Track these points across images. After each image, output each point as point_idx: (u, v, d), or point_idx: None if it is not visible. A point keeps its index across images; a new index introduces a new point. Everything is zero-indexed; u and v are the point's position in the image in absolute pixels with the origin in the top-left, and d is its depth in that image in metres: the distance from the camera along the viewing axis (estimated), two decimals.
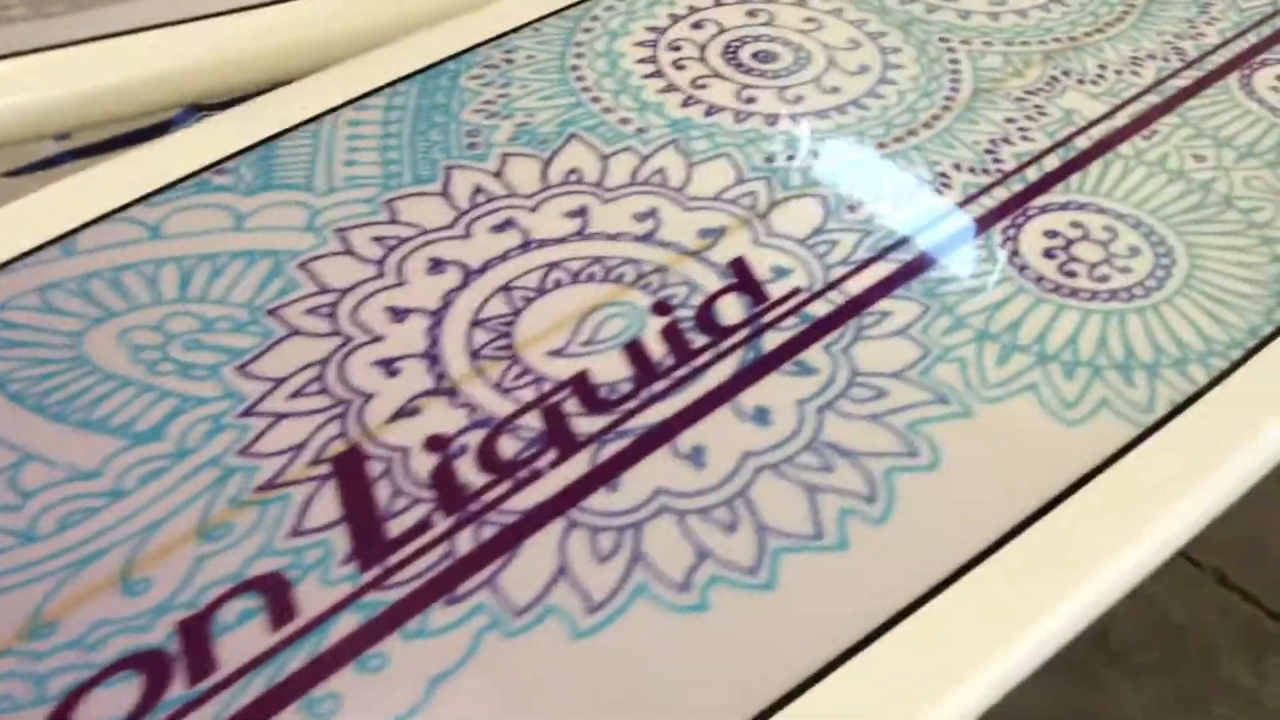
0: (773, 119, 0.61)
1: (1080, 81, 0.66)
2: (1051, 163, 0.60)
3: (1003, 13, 0.72)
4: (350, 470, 0.41)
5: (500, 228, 0.52)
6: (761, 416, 0.45)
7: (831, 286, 0.52)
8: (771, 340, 0.49)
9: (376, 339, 0.47)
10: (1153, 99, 0.65)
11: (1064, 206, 0.57)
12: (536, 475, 0.42)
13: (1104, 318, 0.51)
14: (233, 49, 0.65)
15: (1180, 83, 0.67)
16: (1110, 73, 0.67)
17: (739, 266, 0.52)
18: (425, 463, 0.42)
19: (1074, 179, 0.59)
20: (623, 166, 0.57)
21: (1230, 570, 1.10)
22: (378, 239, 0.51)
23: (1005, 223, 0.56)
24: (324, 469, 0.41)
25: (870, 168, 0.59)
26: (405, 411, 0.44)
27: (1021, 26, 0.71)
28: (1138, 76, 0.67)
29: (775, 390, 0.46)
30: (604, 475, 0.42)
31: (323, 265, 0.50)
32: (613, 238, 0.53)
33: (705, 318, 0.49)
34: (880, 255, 0.53)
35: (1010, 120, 0.63)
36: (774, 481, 0.43)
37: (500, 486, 0.42)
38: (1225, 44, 0.70)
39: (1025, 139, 0.61)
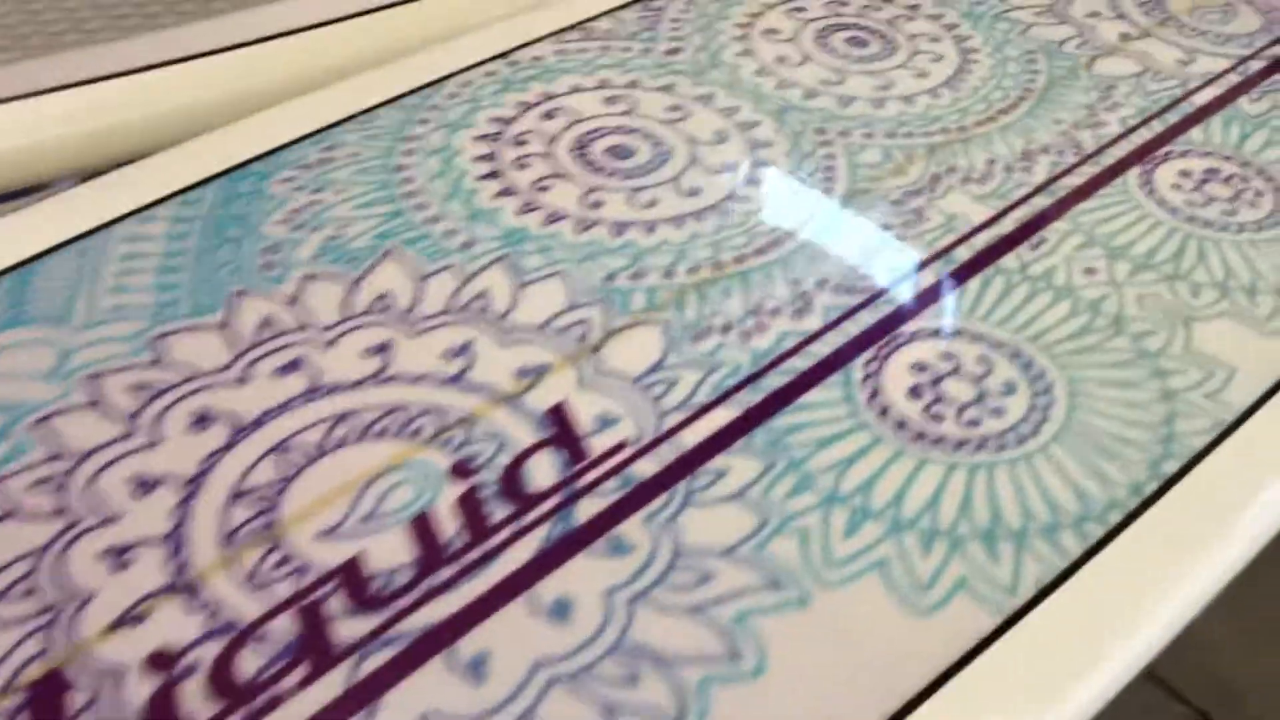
0: (620, 228, 0.55)
1: (965, 180, 0.61)
2: (926, 279, 0.55)
3: (888, 99, 0.67)
4: (46, 701, 0.35)
5: (285, 370, 0.46)
6: (561, 611, 0.39)
7: (663, 439, 0.46)
8: (585, 509, 0.43)
9: (110, 520, 0.40)
10: (1043, 201, 0.60)
11: (936, 333, 0.52)
12: (276, 702, 0.35)
13: (970, 473, 0.46)
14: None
15: (1074, 180, 0.62)
16: (999, 170, 0.62)
17: (558, 415, 0.46)
18: (141, 689, 0.35)
19: (949, 299, 0.54)
20: (441, 289, 0.51)
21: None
22: (135, 387, 0.45)
23: (869, 354, 0.50)
24: (15, 699, 0.35)
25: (723, 287, 0.53)
26: (129, 618, 0.37)
27: (907, 116, 0.65)
28: (1028, 174, 0.62)
29: (581, 577, 0.40)
30: (361, 697, 0.36)
31: (62, 423, 0.43)
32: (416, 380, 0.46)
33: (511, 482, 0.43)
34: (723, 397, 0.48)
35: (886, 227, 0.57)
36: (566, 699, 0.37)
37: None
38: (1127, 134, 0.66)
39: (900, 249, 0.56)
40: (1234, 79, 0.72)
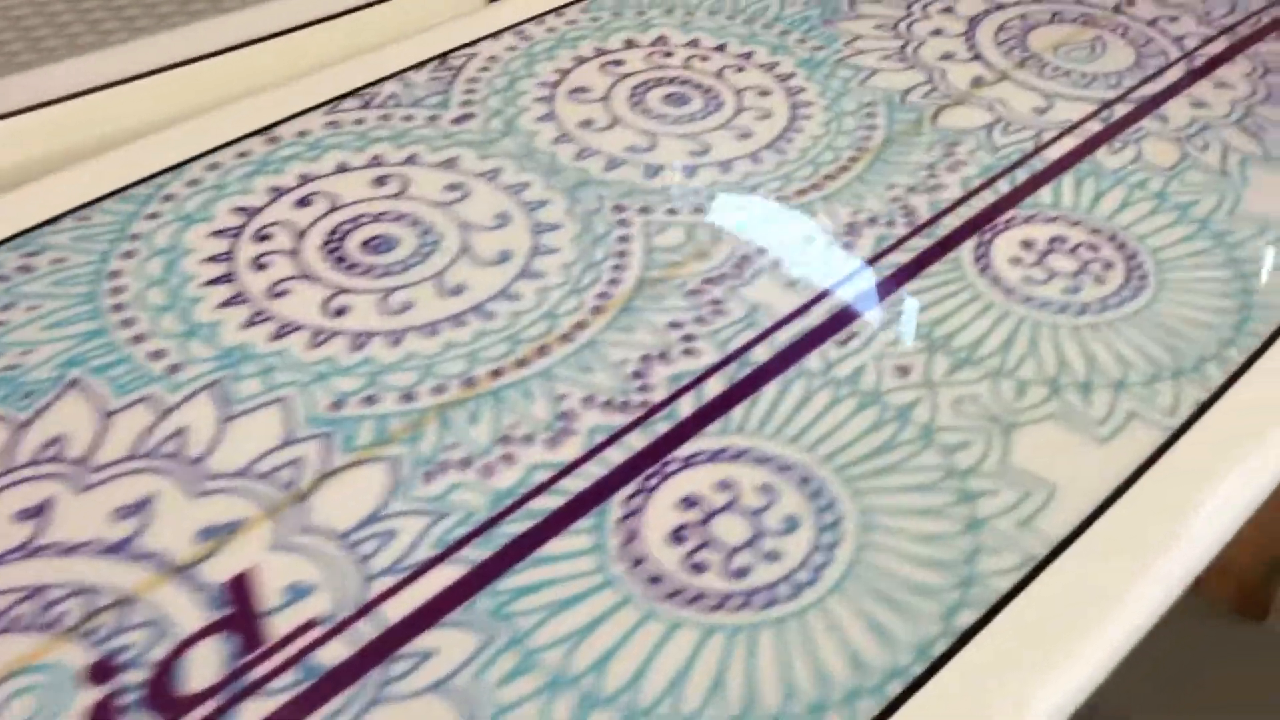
0: (361, 340, 0.49)
1: (777, 265, 0.55)
2: (715, 387, 0.48)
3: (702, 165, 0.60)
4: None
5: None
6: None
7: (363, 612, 0.39)
8: (248, 716, 0.36)
9: None
10: (862, 284, 0.54)
11: (715, 456, 0.45)
12: None
13: (729, 639, 0.39)
14: None
15: (900, 257, 0.56)
16: (818, 247, 0.56)
17: (239, 588, 0.39)
18: None
19: (738, 411, 0.47)
20: (128, 429, 0.44)
21: None
22: None
23: (632, 487, 0.44)
24: None
25: (470, 410, 0.46)
26: None
27: (721, 185, 0.59)
28: (849, 250, 0.56)
29: None
30: None
31: None
32: (70, 551, 0.40)
33: (161, 685, 0.36)
34: (447, 553, 0.41)
35: (675, 325, 0.51)
36: None
37: None
38: (968, 198, 0.60)
39: (688, 352, 0.50)
40: (1094, 127, 0.66)
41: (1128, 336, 0.52)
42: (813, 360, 0.50)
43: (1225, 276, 0.56)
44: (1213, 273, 0.56)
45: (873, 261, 0.55)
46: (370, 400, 0.46)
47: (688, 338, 0.50)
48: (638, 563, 0.41)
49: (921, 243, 0.57)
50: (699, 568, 0.41)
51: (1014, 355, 0.51)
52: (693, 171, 0.60)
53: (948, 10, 0.76)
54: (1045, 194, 0.60)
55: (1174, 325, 0.53)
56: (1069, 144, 0.64)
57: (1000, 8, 0.77)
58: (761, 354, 0.50)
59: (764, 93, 0.66)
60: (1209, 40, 0.75)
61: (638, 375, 0.48)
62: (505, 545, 0.41)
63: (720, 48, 0.70)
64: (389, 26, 0.71)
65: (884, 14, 0.75)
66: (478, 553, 0.41)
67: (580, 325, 0.50)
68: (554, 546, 0.41)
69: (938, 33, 0.73)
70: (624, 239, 0.55)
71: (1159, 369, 0.50)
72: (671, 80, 0.67)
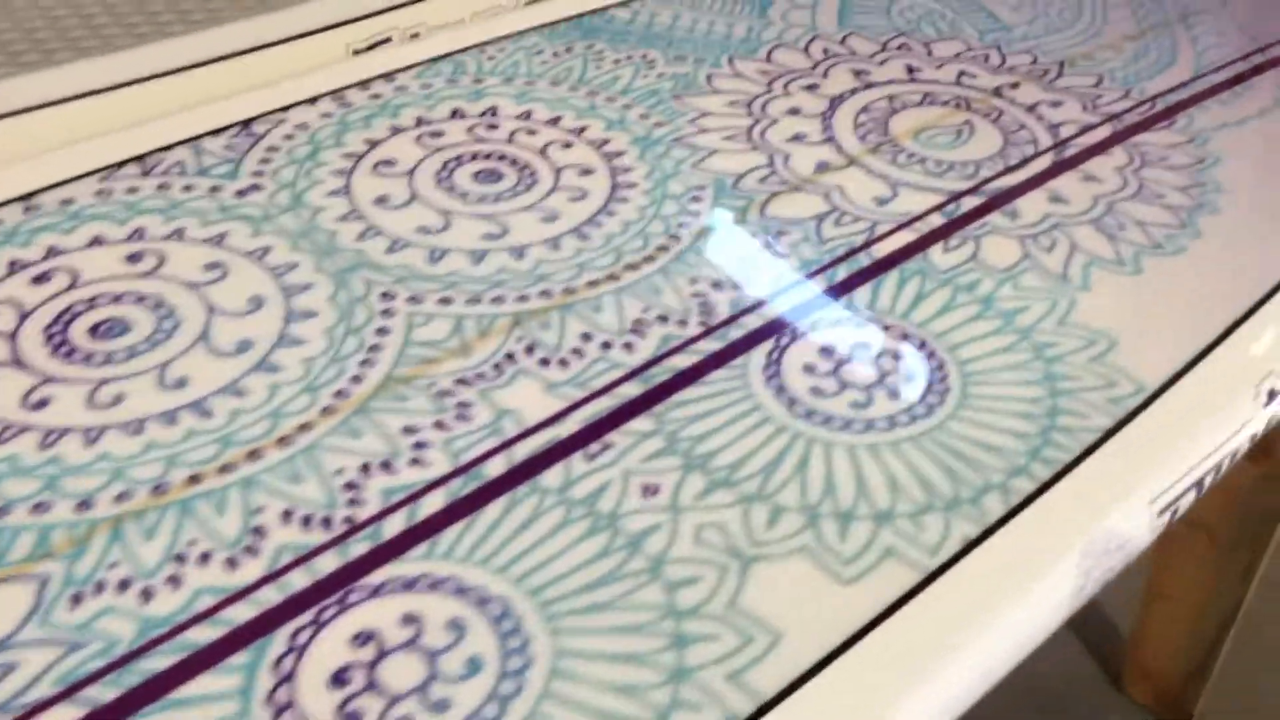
0: (53, 437, 0.45)
1: (545, 362, 0.51)
2: (433, 504, 0.45)
3: (493, 250, 0.57)
4: None
5: None
6: None
7: None
8: None
9: None
10: (630, 390, 0.51)
11: (410, 584, 0.42)
12: None
13: None
14: None
15: (684, 360, 0.52)
16: (595, 346, 0.52)
17: None
18: None
19: (450, 532, 0.44)
20: None
21: None
22: None
23: (305, 617, 0.40)
24: None
25: (149, 523, 0.43)
26: None
27: (508, 273, 0.56)
28: (629, 352, 0.52)
29: None
30: None
31: None
32: None
33: None
34: (70, 691, 0.37)
35: (410, 430, 0.47)
36: None
37: None
38: (778, 294, 0.56)
39: (416, 462, 0.46)
40: (935, 221, 0.62)
41: (910, 459, 0.48)
42: (552, 475, 0.46)
43: (1034, 395, 0.52)
44: (1021, 390, 0.52)
45: (650, 365, 0.52)
46: (40, 507, 0.43)
47: (420, 445, 0.47)
48: (283, 710, 0.37)
49: (711, 345, 0.53)
50: (352, 718, 0.38)
51: (778, 477, 0.47)
52: (481, 257, 0.56)
53: (812, 88, 0.73)
54: (863, 293, 0.57)
55: (964, 448, 0.49)
56: (903, 239, 0.61)
57: (870, 86, 0.74)
58: (496, 467, 0.46)
59: (586, 171, 0.63)
60: (1089, 129, 0.72)
61: (350, 487, 0.45)
62: (138, 684, 0.38)
63: (554, 120, 0.67)
64: (218, 85, 0.68)
65: (742, 90, 0.72)
66: (104, 692, 0.37)
67: (304, 427, 0.47)
68: (195, 687, 0.38)
69: (794, 112, 0.70)
70: (382, 331, 0.52)
71: (933, 499, 0.47)
72: (489, 155, 0.64)
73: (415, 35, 0.86)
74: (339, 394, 0.48)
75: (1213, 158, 0.70)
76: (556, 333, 0.53)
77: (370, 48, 0.84)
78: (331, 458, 0.46)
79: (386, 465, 0.46)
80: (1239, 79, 0.81)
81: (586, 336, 0.53)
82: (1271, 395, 0.54)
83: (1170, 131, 0.72)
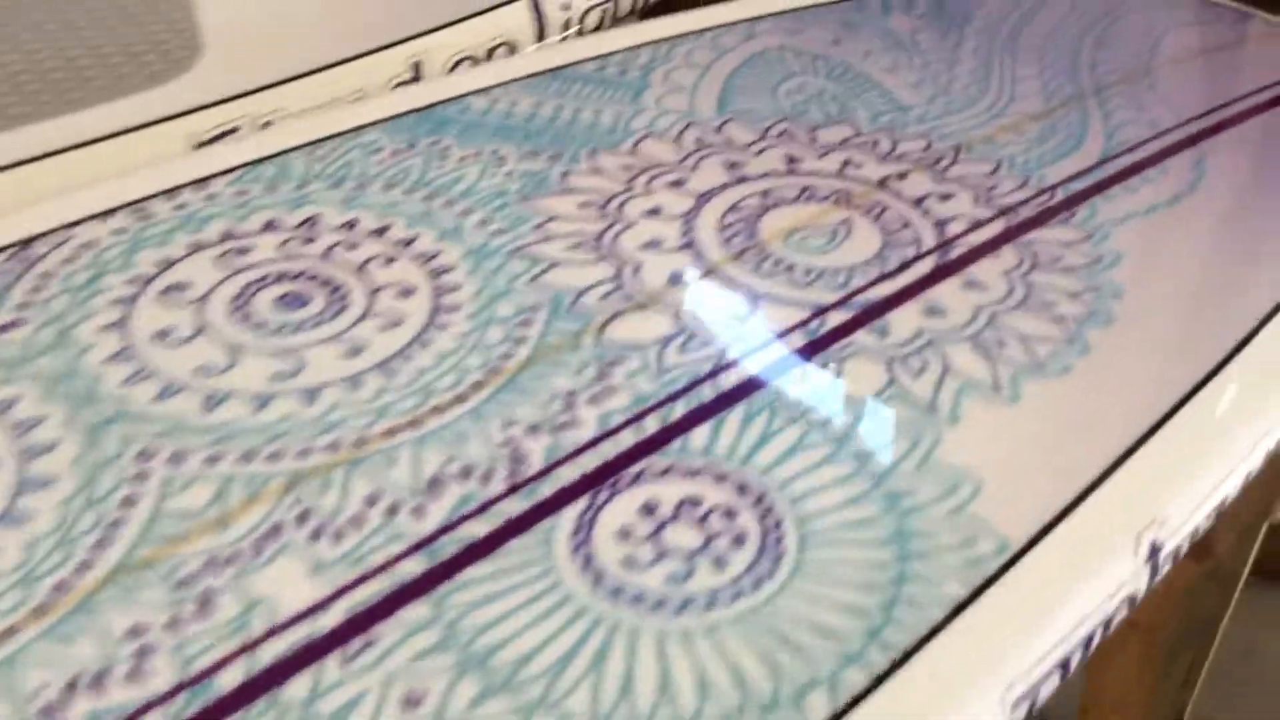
0: None
1: (317, 534, 0.45)
2: None
3: (281, 394, 0.51)
4: None
5: None
6: None
7: None
8: None
9: None
10: (411, 568, 0.44)
11: None
12: None
13: None
14: None
15: (478, 528, 0.46)
16: (378, 511, 0.46)
17: None
18: None
19: None
20: None
21: None
22: None
23: None
24: None
25: None
26: None
27: (296, 420, 0.50)
28: (417, 519, 0.46)
29: None
30: None
31: None
32: None
33: None
34: None
35: (135, 634, 0.41)
36: None
37: None
38: (601, 440, 0.50)
39: (133, 678, 0.40)
40: (796, 341, 0.57)
41: (727, 648, 0.42)
42: (299, 684, 0.40)
43: (881, 559, 0.46)
44: (867, 552, 0.46)
45: (440, 534, 0.45)
46: None
47: (143, 652, 0.40)
48: None
49: (515, 506, 0.47)
50: None
51: (569, 677, 0.41)
52: (265, 403, 0.50)
53: (678, 184, 0.67)
54: (700, 435, 0.51)
55: (792, 631, 0.43)
56: (755, 364, 0.55)
57: (743, 180, 0.68)
58: (232, 677, 0.40)
59: (406, 292, 0.57)
60: (979, 225, 0.66)
61: (47, 713, 0.38)
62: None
63: (380, 231, 0.61)
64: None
65: (598, 189, 0.66)
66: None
67: (8, 633, 0.40)
68: None
69: (653, 213, 0.64)
70: (130, 501, 0.45)
71: (747, 700, 0.40)
72: (297, 275, 0.58)
73: (268, 124, 0.81)
74: (59, 587, 0.42)
75: (1112, 256, 0.64)
76: (337, 495, 0.46)
77: (214, 139, 0.78)
78: (34, 675, 0.39)
79: (97, 683, 0.39)
80: (1152, 160, 0.75)
81: (372, 500, 0.46)
82: (1154, 550, 0.48)
83: (1068, 226, 0.67)
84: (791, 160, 0.71)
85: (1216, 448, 0.53)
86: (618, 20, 1.05)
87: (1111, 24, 0.96)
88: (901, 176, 0.70)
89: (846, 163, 0.71)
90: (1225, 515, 0.54)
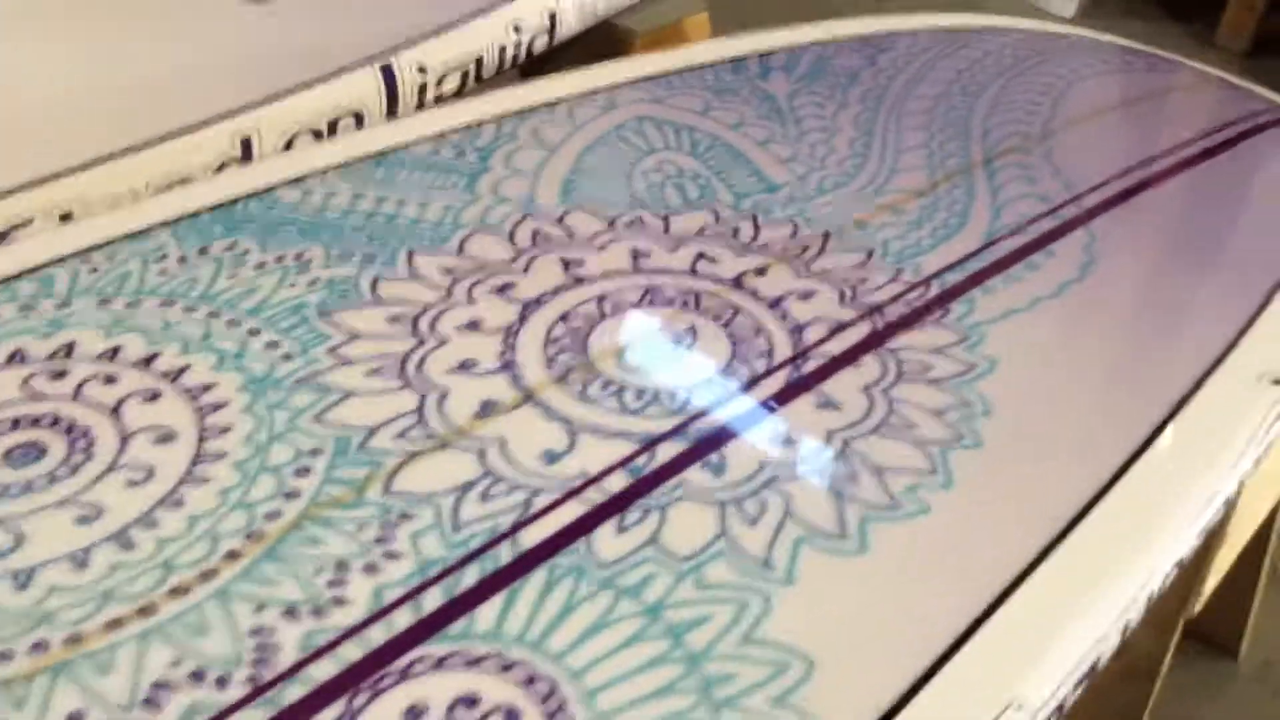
0: None
1: None
2: None
3: None
4: None
5: None
6: None
7: None
8: None
9: None
10: None
11: None
12: None
13: None
14: None
15: None
16: None
17: None
18: None
19: None
20: None
21: None
22: None
23: None
24: None
25: None
26: None
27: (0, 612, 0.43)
28: None
29: None
30: None
31: None
32: None
33: None
34: None
35: None
36: None
37: None
38: (369, 623, 0.43)
39: None
40: (615, 484, 0.50)
41: None
42: None
43: None
44: None
45: None
46: None
47: None
48: None
49: (253, 717, 0.40)
50: None
51: None
52: None
53: (503, 290, 0.61)
54: (489, 612, 0.44)
55: None
56: (566, 516, 0.48)
57: (580, 282, 0.62)
58: None
59: (165, 437, 0.50)
60: (841, 329, 0.60)
61: None
62: None
63: (148, 360, 0.54)
64: None
65: (412, 298, 0.59)
66: None
67: None
68: None
69: (471, 327, 0.58)
70: None
71: None
72: (37, 421, 0.50)
73: (67, 216, 0.74)
74: None
75: (985, 364, 0.59)
76: (33, 716, 0.39)
77: (4, 234, 0.71)
78: None
79: None
80: (1039, 243, 0.70)
81: (73, 716, 0.39)
82: None
83: (940, 327, 0.61)
84: (638, 256, 0.65)
85: (1086, 606, 0.47)
86: (483, 83, 0.99)
87: (1015, 77, 0.91)
88: (760, 272, 0.64)
89: (700, 257, 0.65)
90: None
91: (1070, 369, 0.60)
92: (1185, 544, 0.51)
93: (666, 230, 0.67)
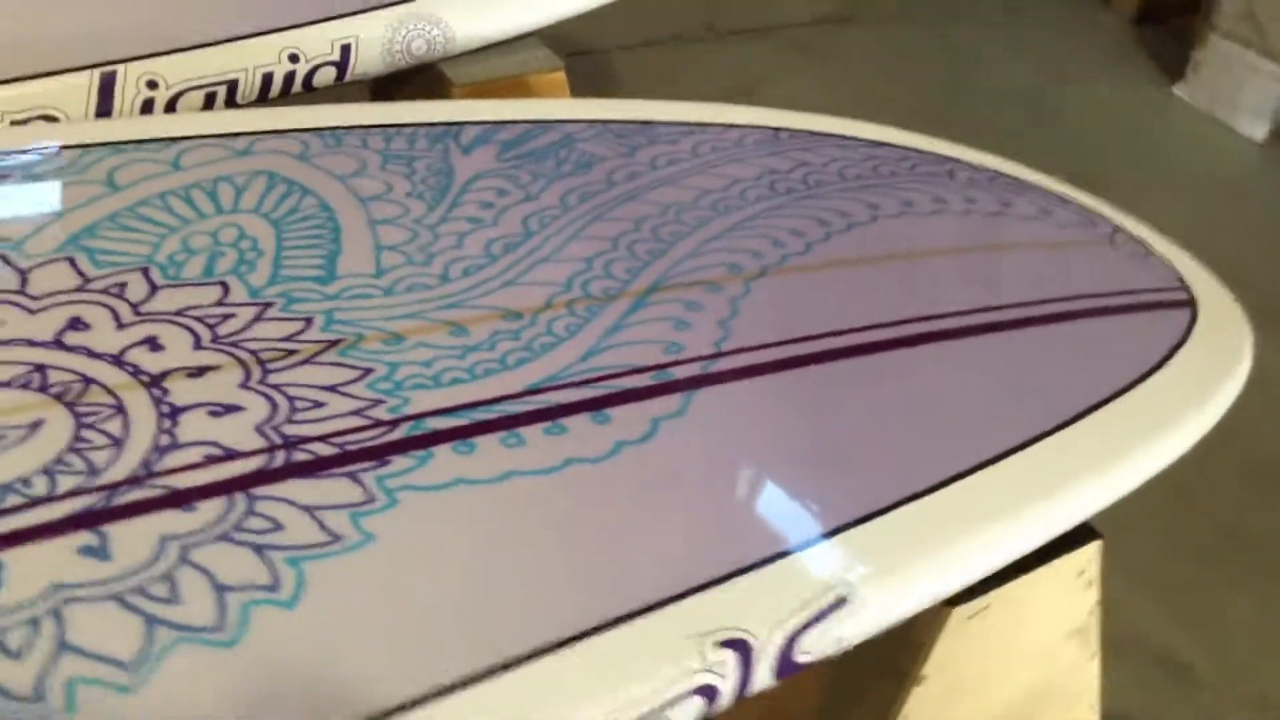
0: None
1: None
2: None
3: None
4: None
5: None
6: None
7: None
8: None
9: None
10: None
11: None
12: None
13: None
14: None
15: None
16: None
17: None
18: None
19: None
20: None
21: None
22: None
23: None
24: None
25: None
26: None
27: None
28: None
29: None
30: None
31: None
32: None
33: None
34: None
35: None
36: None
37: None
38: None
39: None
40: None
41: None
42: None
43: None
44: None
45: None
46: None
47: None
48: None
49: None
50: None
51: None
52: None
53: None
54: None
55: None
56: None
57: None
58: None
59: None
60: (230, 459, 0.52)
61: None
62: None
63: None
64: None
65: None
66: None
67: None
68: None
69: None
70: None
71: None
72: None
73: None
74: None
75: (357, 542, 0.49)
76: None
77: None
78: None
79: None
80: (592, 404, 0.59)
81: None
82: None
83: (353, 481, 0.52)
84: (77, 326, 0.58)
85: None
86: (235, 105, 0.94)
87: (805, 199, 0.80)
88: (196, 373, 0.56)
89: (146, 341, 0.57)
90: None
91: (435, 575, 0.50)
92: None
93: (149, 299, 0.60)
